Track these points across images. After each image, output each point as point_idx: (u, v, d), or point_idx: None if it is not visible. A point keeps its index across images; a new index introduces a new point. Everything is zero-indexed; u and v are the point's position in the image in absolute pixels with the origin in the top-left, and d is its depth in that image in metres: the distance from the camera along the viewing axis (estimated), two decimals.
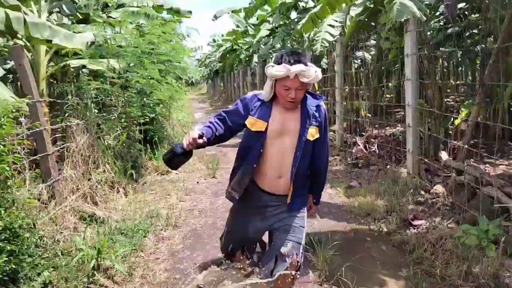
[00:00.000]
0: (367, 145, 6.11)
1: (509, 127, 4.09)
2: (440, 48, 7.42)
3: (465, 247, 2.86)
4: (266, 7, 13.06)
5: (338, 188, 4.91)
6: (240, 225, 2.37)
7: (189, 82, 37.29)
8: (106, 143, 5.08)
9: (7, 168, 2.55)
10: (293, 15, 11.40)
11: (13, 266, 2.48)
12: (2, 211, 2.52)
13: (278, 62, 2.04)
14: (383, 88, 8.99)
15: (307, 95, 2.17)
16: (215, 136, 2.15)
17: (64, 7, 7.03)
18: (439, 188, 4.02)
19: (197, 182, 5.52)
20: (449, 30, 7.41)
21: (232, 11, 15.23)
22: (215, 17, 14.85)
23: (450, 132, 5.78)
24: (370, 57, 9.53)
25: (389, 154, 5.66)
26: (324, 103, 2.26)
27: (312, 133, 2.13)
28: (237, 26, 16.67)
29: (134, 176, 5.13)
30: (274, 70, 2.00)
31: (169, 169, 2.15)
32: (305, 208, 2.33)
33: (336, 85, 6.90)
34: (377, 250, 3.26)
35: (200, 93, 43.72)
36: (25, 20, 3.73)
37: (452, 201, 3.75)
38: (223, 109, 2.31)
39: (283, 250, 2.16)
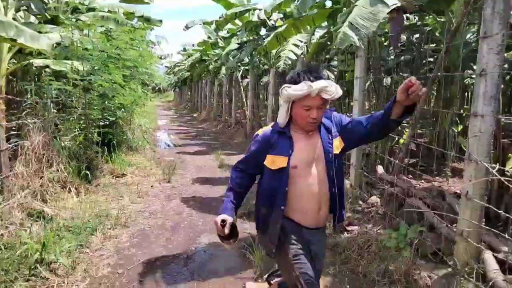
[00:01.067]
0: None
1: (441, 149, 4.53)
2: (391, 74, 7.98)
3: (386, 249, 3.19)
4: (237, 21, 13.45)
5: None
6: (304, 266, 1.91)
7: (156, 88, 37.04)
8: (63, 143, 5.13)
9: None
10: (263, 31, 11.84)
11: None
12: None
13: (296, 81, 1.82)
14: (343, 107, 9.49)
15: None
16: (242, 199, 2.04)
17: (32, 5, 7.01)
18: (374, 199, 4.38)
19: (152, 186, 5.64)
20: (402, 58, 8.05)
21: (204, 23, 15.49)
22: (187, 27, 15.02)
23: (396, 149, 6.26)
24: (333, 77, 10.06)
25: None
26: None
27: (337, 145, 1.93)
28: (208, 37, 16.94)
29: (89, 177, 5.18)
30: (293, 90, 1.79)
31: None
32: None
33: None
34: None
35: (167, 100, 43.38)
36: None
37: (384, 210, 4.11)
38: (239, 161, 2.05)
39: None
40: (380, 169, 4.71)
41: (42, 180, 4.32)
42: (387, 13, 3.86)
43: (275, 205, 1.91)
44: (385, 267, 3.01)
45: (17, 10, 7.07)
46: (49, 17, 7.49)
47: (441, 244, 3.09)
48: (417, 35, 8.97)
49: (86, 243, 3.44)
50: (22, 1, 6.96)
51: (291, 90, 1.79)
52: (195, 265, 3.24)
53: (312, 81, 1.77)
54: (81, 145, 5.54)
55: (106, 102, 6.30)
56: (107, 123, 6.34)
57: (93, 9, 8.77)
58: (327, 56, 8.45)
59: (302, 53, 8.24)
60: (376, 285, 2.87)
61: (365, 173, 4.69)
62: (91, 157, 5.57)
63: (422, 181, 5.36)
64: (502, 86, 3.70)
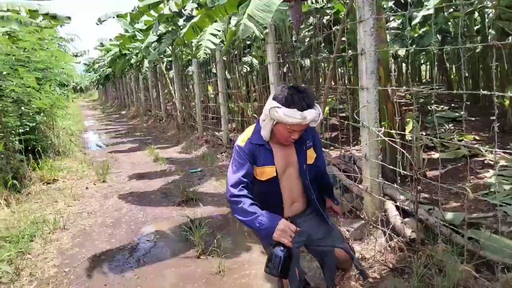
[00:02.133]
0: None
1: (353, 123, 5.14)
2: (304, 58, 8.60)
3: None
4: (152, 12, 13.20)
5: (222, 180, 5.51)
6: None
7: (78, 88, 34.81)
8: None
9: None
10: (180, 21, 11.81)
11: None
12: None
13: (288, 103, 1.78)
14: (264, 91, 9.98)
15: None
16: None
17: None
18: None
19: (86, 188, 5.60)
20: (312, 41, 8.71)
21: (117, 16, 14.92)
22: (99, 21, 14.36)
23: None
24: (257, 61, 10.47)
25: None
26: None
27: (311, 155, 2.05)
28: (125, 31, 16.36)
29: (17, 187, 5.02)
30: (284, 115, 1.77)
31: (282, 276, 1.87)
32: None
33: (219, 89, 7.54)
34: None
35: (91, 99, 41.08)
36: None
37: None
38: (236, 174, 1.91)
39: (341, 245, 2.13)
40: None
41: None
42: (287, 1, 4.29)
43: (272, 205, 1.96)
44: None
45: None
46: None
47: (354, 202, 3.64)
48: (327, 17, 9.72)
49: (27, 249, 3.45)
50: None
51: (282, 115, 1.77)
52: (140, 254, 3.45)
53: (303, 110, 1.77)
54: (2, 155, 5.30)
55: (23, 107, 6.03)
56: (27, 129, 6.08)
57: None
58: (247, 43, 8.81)
59: (221, 41, 8.51)
60: None
61: None
62: (16, 166, 5.36)
63: (343, 151, 6.02)
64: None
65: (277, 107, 1.79)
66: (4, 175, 4.95)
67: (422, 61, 18.31)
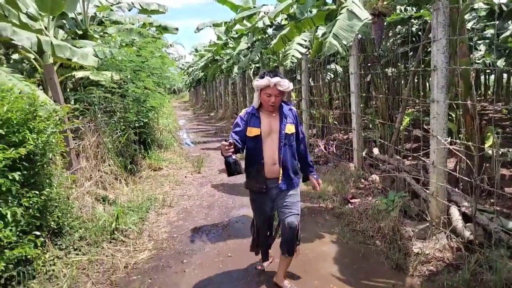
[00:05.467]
0: (327, 146, 7.33)
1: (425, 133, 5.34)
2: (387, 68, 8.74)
3: (379, 212, 4.06)
4: (245, 22, 14.30)
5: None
6: (260, 207, 3.00)
7: (172, 90, 38.13)
8: (109, 143, 6.12)
9: (58, 157, 3.60)
10: (270, 30, 12.69)
11: (59, 224, 3.53)
12: (50, 186, 3.55)
13: (262, 77, 2.78)
14: (347, 98, 10.29)
15: (282, 104, 2.90)
16: (236, 144, 2.73)
17: (66, 24, 8.03)
18: (374, 177, 5.24)
19: (185, 177, 6.60)
20: (400, 50, 8.81)
21: (214, 24, 16.38)
22: (198, 29, 15.93)
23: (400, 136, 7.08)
24: (341, 69, 10.83)
25: (344, 153, 6.89)
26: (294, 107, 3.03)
27: (290, 128, 2.85)
28: (218, 38, 17.84)
29: (133, 171, 6.17)
30: (259, 82, 2.76)
31: (233, 175, 2.77)
32: (298, 188, 2.98)
33: (303, 96, 8.12)
34: (322, 218, 4.44)
35: (183, 100, 44.56)
36: (51, 43, 4.78)
37: (382, 186, 4.97)
38: (232, 130, 2.89)
39: (288, 220, 2.81)
40: (375, 150, 5.56)
41: (100, 172, 5.32)
42: (371, 19, 4.70)
43: (256, 159, 2.85)
44: (378, 225, 3.88)
45: (54, 29, 8.10)
46: (79, 33, 8.51)
47: (422, 206, 3.94)
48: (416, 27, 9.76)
49: (145, 218, 4.41)
50: (59, 21, 7.98)
51: (257, 82, 2.78)
52: (230, 231, 4.19)
53: (271, 77, 2.73)
54: (123, 144, 6.52)
55: (140, 105, 7.27)
56: (141, 124, 7.31)
57: (116, 22, 9.79)
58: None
59: (307, 50, 9.09)
60: (371, 239, 3.75)
61: (365, 155, 5.54)
62: (132, 154, 6.55)
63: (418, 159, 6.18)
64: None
65: (256, 80, 2.81)
66: (125, 160, 6.13)
67: None
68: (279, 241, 2.94)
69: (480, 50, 12.22)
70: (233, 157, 2.66)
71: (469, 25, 10.45)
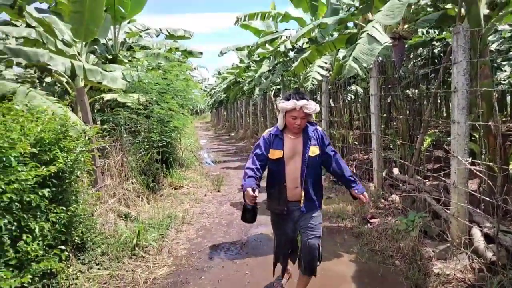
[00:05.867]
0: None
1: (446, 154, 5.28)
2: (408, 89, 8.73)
3: (399, 233, 4.01)
4: (267, 46, 14.66)
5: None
6: (282, 228, 2.98)
7: (194, 110, 38.93)
8: (133, 162, 6.32)
9: (85, 175, 3.78)
10: (291, 53, 12.95)
11: (83, 239, 3.66)
12: (76, 203, 3.70)
13: (287, 99, 2.70)
14: (367, 119, 10.26)
15: (307, 124, 2.82)
16: (259, 179, 2.74)
17: (97, 49, 8.49)
18: (394, 197, 5.18)
19: (205, 195, 6.71)
20: (421, 72, 8.79)
21: (237, 49, 16.85)
22: (221, 53, 16.40)
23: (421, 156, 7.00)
24: (361, 90, 10.87)
25: (363, 173, 6.85)
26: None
27: (313, 150, 2.77)
28: (241, 61, 18.29)
29: (155, 188, 6.33)
30: (285, 104, 2.70)
31: (247, 222, 2.88)
32: (320, 210, 2.92)
33: (322, 117, 8.18)
34: (340, 238, 4.41)
35: (205, 121, 45.28)
36: (84, 67, 5.08)
37: (402, 206, 4.91)
38: (253, 153, 2.84)
39: (310, 242, 2.79)
40: (395, 170, 5.51)
41: (123, 190, 5.49)
42: (391, 42, 4.76)
43: (278, 182, 2.82)
44: (398, 245, 3.83)
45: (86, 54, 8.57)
46: (109, 57, 8.95)
47: (442, 226, 3.87)
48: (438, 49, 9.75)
49: (165, 235, 4.50)
50: (91, 47, 8.44)
51: (283, 104, 2.73)
52: (249, 249, 4.22)
53: (297, 100, 2.66)
54: (146, 163, 6.72)
55: (163, 126, 7.51)
56: (164, 143, 7.53)
57: (144, 47, 10.25)
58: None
59: (328, 72, 9.20)
60: (390, 259, 3.70)
61: (385, 176, 5.50)
62: (155, 172, 6.73)
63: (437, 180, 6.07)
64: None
65: (282, 101, 2.76)
66: (147, 179, 6.30)
67: None
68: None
69: (506, 71, 12.02)
70: (250, 205, 2.68)
71: (493, 46, 10.36)
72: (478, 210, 3.52)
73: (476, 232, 3.38)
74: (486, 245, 3.20)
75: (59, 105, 4.25)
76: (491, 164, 4.10)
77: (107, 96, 7.32)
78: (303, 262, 2.86)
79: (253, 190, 2.57)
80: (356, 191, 2.83)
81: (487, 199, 3.35)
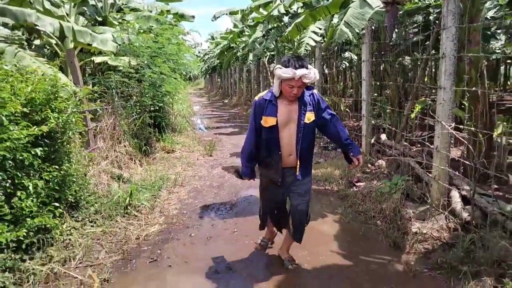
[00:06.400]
0: None
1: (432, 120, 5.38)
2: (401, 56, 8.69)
3: (382, 195, 4.17)
4: (261, 10, 14.35)
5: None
6: (272, 196, 2.95)
7: (187, 76, 38.44)
8: (125, 125, 6.35)
9: (77, 136, 3.83)
10: (285, 18, 12.71)
11: (76, 198, 3.77)
12: (68, 162, 3.78)
13: (285, 65, 2.47)
14: (359, 86, 10.28)
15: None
16: (256, 152, 2.80)
17: (87, 11, 8.28)
18: (381, 162, 5.33)
19: (197, 159, 6.82)
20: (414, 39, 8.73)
21: (230, 13, 16.46)
22: (215, 17, 16.05)
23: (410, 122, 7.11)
24: (356, 57, 10.81)
25: (353, 139, 6.97)
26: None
27: (309, 117, 2.65)
28: (235, 26, 17.93)
29: (147, 152, 6.41)
30: (282, 72, 2.46)
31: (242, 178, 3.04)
32: (311, 176, 2.91)
33: (315, 83, 8.18)
34: (326, 200, 4.57)
35: (198, 87, 44.86)
36: (73, 28, 4.99)
37: (388, 170, 5.06)
38: (250, 126, 2.77)
39: (300, 207, 2.84)
40: (383, 136, 5.63)
41: (115, 152, 5.56)
42: (383, 7, 4.73)
43: (273, 151, 2.72)
44: (380, 207, 4.00)
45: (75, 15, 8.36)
46: (99, 19, 8.74)
47: (424, 189, 4.03)
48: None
49: (157, 195, 4.63)
50: (80, 8, 8.22)
51: (280, 72, 2.48)
52: (238, 209, 4.37)
53: (296, 69, 2.44)
54: (138, 127, 6.76)
55: (155, 90, 7.48)
56: (157, 108, 7.53)
57: (134, 9, 9.99)
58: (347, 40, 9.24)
59: (322, 38, 9.11)
60: (372, 219, 3.88)
61: (373, 142, 5.61)
62: (147, 136, 6.78)
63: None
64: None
65: (279, 67, 2.51)
66: (140, 142, 6.36)
67: None
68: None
69: (501, 40, 11.96)
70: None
71: (490, 14, 10.23)
72: (457, 173, 3.66)
73: (455, 194, 3.54)
74: (463, 206, 3.37)
75: (48, 66, 4.23)
76: (474, 129, 4.21)
77: (98, 59, 7.24)
78: (292, 226, 2.96)
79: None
80: (351, 154, 2.81)
81: (467, 162, 3.48)
